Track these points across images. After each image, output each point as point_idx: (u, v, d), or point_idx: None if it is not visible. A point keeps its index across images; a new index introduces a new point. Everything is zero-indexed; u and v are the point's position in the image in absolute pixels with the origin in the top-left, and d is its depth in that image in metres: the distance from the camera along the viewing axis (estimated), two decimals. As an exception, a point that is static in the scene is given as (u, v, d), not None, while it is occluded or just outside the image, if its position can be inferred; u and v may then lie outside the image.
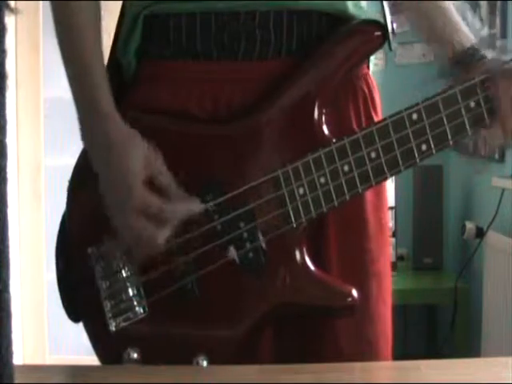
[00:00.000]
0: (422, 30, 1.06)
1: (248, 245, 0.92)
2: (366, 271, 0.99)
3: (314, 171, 0.91)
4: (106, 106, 0.91)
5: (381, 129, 0.91)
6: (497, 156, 2.61)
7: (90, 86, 0.91)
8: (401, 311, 3.20)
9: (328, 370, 0.82)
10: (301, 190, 0.91)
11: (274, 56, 0.95)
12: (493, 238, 2.46)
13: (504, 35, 2.56)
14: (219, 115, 0.95)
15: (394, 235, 2.96)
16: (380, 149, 0.90)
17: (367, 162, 0.91)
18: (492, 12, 2.67)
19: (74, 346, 3.26)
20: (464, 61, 0.99)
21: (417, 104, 0.91)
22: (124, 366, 0.95)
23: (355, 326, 0.99)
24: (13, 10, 0.42)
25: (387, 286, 1.03)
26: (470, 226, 2.69)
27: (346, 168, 0.91)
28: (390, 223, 2.94)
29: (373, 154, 0.91)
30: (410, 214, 3.03)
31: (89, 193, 0.94)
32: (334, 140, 0.92)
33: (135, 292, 0.94)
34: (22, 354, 3.21)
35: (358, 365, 0.89)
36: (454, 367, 0.84)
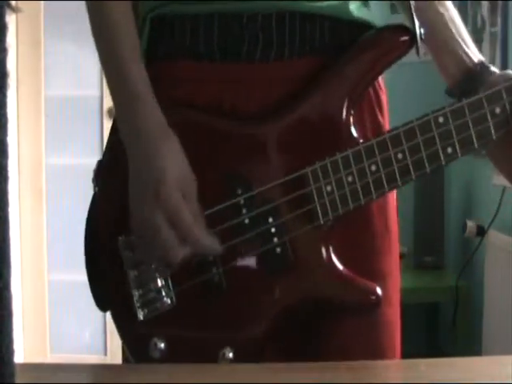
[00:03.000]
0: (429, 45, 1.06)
1: (276, 240, 0.93)
2: (370, 270, 0.99)
3: (342, 170, 0.92)
4: (140, 88, 0.91)
5: (407, 131, 0.92)
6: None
7: (123, 66, 0.91)
8: (401, 310, 3.19)
9: (329, 369, 0.83)
10: (328, 188, 0.93)
11: (277, 58, 0.96)
12: (494, 236, 2.46)
13: (505, 34, 2.56)
14: (224, 115, 0.96)
15: (394, 234, 2.95)
16: (407, 150, 0.92)
17: (394, 163, 0.92)
18: (493, 11, 2.67)
19: (76, 344, 3.27)
20: (473, 78, 1.01)
21: (443, 107, 0.92)
22: (127, 364, 0.95)
23: (358, 327, 0.99)
24: (14, 9, 0.42)
25: (394, 287, 1.03)
26: (470, 224, 2.69)
27: (373, 168, 0.92)
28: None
29: (399, 155, 0.92)
30: (410, 212, 3.03)
31: (119, 179, 0.94)
32: (361, 141, 0.94)
33: (163, 283, 0.94)
34: (23, 352, 3.21)
35: (358, 363, 0.89)
36: (455, 366, 0.84)
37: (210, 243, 0.91)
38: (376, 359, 0.99)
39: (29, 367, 0.87)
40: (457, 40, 1.04)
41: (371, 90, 1.01)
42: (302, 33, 0.96)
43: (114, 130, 0.98)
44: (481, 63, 1.03)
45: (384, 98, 1.04)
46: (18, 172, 3.22)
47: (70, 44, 3.19)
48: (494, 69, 1.02)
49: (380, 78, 1.03)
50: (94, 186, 0.99)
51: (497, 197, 2.44)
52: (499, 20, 2.61)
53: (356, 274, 0.96)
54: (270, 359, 0.94)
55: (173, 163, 0.90)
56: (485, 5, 2.75)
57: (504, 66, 2.58)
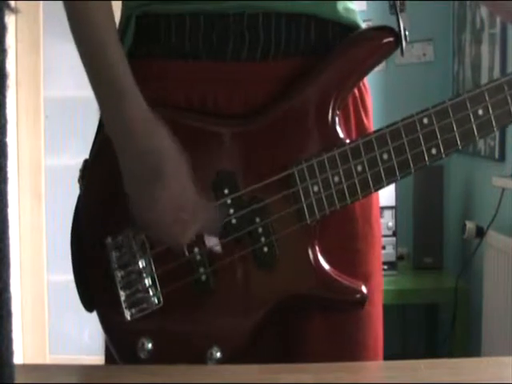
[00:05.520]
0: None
1: (263, 239, 0.94)
2: (354, 272, 0.99)
3: (328, 170, 0.93)
4: (125, 85, 0.90)
5: (393, 131, 0.93)
6: (497, 155, 2.61)
7: (106, 64, 0.90)
8: (401, 311, 3.20)
9: (328, 370, 0.83)
10: (315, 188, 0.93)
11: (262, 58, 0.96)
12: (493, 237, 2.46)
13: (504, 35, 2.56)
14: (209, 114, 0.96)
15: (394, 235, 2.96)
16: (392, 150, 0.93)
17: (379, 163, 0.93)
18: (492, 12, 2.67)
19: (75, 345, 3.26)
20: None
21: (427, 109, 0.93)
22: (125, 365, 0.95)
23: (341, 326, 1.00)
24: (13, 10, 0.42)
25: (377, 286, 1.03)
26: (470, 225, 2.69)
27: (359, 168, 0.93)
28: (390, 223, 2.94)
29: (385, 156, 0.93)
30: (410, 213, 3.03)
31: (105, 178, 0.94)
32: (347, 141, 0.94)
33: (150, 283, 0.95)
34: (23, 353, 3.21)
35: (358, 364, 0.89)
36: (454, 367, 0.84)
37: (215, 215, 0.93)
38: (358, 358, 0.99)
39: (28, 368, 0.87)
40: None
41: (356, 91, 1.01)
42: (288, 32, 0.97)
43: (100, 129, 0.97)
44: None
45: (368, 99, 1.04)
46: (18, 173, 3.22)
47: (69, 45, 3.17)
48: None
49: (365, 79, 1.03)
50: (80, 186, 0.99)
51: (496, 198, 2.44)
52: (498, 21, 2.62)
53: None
54: (256, 359, 0.94)
55: (164, 155, 0.89)
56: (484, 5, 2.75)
57: (503, 68, 2.58)
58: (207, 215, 0.92)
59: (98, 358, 3.41)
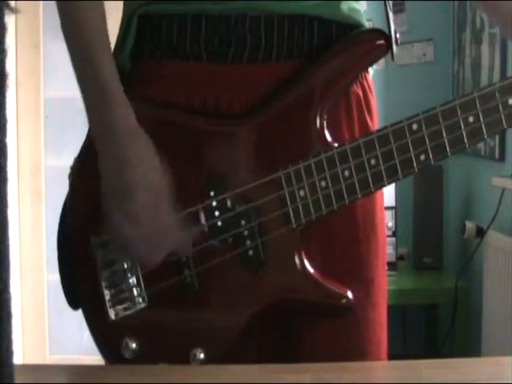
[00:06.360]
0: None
1: (248, 243, 0.93)
2: (355, 276, 0.99)
3: (315, 174, 0.92)
4: (112, 94, 0.90)
5: (381, 136, 0.92)
6: (497, 156, 2.61)
7: (95, 72, 0.90)
8: (401, 311, 3.20)
9: (328, 370, 0.82)
10: (301, 192, 0.93)
11: (264, 60, 0.96)
12: (493, 237, 2.46)
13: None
14: (206, 115, 0.96)
15: (394, 235, 2.96)
16: (380, 156, 0.92)
17: (367, 169, 0.92)
18: (492, 12, 2.67)
19: (75, 345, 3.26)
20: None
21: (417, 114, 0.92)
22: (124, 365, 0.95)
23: (343, 330, 0.99)
24: (13, 10, 0.42)
25: (379, 290, 1.02)
26: (470, 225, 2.69)
27: (346, 173, 0.92)
28: (390, 223, 2.94)
29: (373, 161, 0.92)
30: (410, 213, 3.03)
31: (92, 180, 0.94)
32: (335, 145, 0.93)
33: (135, 282, 0.95)
34: (23, 353, 3.21)
35: (358, 365, 0.89)
36: (454, 367, 0.84)
37: (183, 250, 0.93)
38: (359, 360, 0.99)
39: (28, 368, 0.87)
40: None
41: (360, 92, 1.00)
42: (291, 34, 0.96)
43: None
44: None
45: (373, 100, 1.03)
46: (18, 173, 3.22)
47: (69, 45, 3.17)
48: None
49: (370, 80, 1.03)
50: (70, 183, 0.99)
51: (496, 198, 2.44)
52: (498, 21, 2.61)
53: (339, 279, 0.96)
54: (242, 361, 0.93)
55: (142, 170, 0.89)
56: (484, 6, 2.75)
57: (503, 68, 2.58)
58: (180, 235, 0.92)
59: (97, 357, 3.40)
